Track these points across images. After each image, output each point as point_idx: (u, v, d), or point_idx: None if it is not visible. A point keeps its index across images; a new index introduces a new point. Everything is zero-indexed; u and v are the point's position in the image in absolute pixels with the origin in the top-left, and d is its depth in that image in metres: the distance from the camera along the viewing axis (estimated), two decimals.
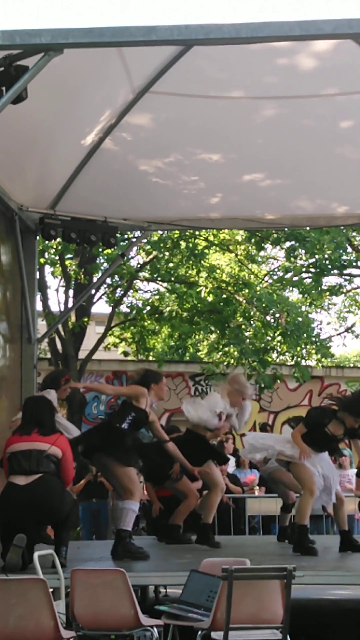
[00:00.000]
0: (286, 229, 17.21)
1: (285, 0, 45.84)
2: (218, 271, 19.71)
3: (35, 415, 8.44)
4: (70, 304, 18.37)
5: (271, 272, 22.33)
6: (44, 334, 13.25)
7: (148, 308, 20.23)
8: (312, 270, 20.23)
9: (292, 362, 19.46)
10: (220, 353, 19.56)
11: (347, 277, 21.98)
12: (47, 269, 18.79)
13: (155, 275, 20.20)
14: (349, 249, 20.70)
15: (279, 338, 18.79)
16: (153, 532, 12.05)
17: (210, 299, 19.01)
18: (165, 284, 20.52)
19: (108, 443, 9.12)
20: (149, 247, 18.95)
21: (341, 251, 19.65)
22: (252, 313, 18.65)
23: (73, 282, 18.51)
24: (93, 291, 18.43)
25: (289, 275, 20.92)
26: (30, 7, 48.17)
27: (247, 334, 18.68)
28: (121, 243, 16.79)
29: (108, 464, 9.17)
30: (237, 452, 15.41)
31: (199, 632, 6.45)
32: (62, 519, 8.21)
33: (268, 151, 11.01)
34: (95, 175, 11.13)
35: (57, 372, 11.63)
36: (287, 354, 19.60)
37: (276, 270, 22.27)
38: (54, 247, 17.48)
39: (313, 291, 20.72)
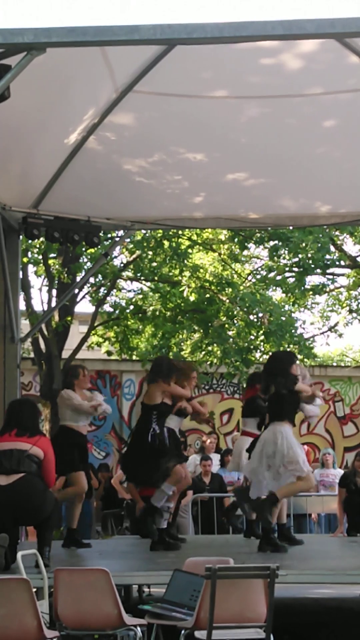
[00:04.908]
0: (269, 229, 17.22)
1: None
2: (201, 270, 19.70)
3: (17, 417, 8.42)
4: (53, 304, 18.33)
5: (254, 272, 22.34)
6: (27, 334, 13.23)
7: (131, 307, 20.20)
8: (295, 269, 20.23)
9: None
10: (203, 352, 19.56)
11: (330, 277, 22.01)
12: (30, 268, 18.74)
13: (138, 275, 20.17)
14: (332, 249, 20.72)
15: (263, 337, 18.80)
16: (136, 532, 12.06)
17: (193, 298, 19.01)
18: (148, 284, 20.50)
19: None
20: (132, 246, 18.93)
21: (324, 250, 19.65)
22: (235, 312, 18.66)
23: (56, 282, 18.47)
24: (76, 290, 18.39)
25: (272, 274, 20.94)
26: (12, 5, 48.05)
27: (230, 333, 18.68)
28: (104, 242, 16.77)
29: None
30: (221, 451, 15.42)
31: (183, 632, 6.45)
32: (45, 519, 8.19)
33: (252, 150, 11.02)
34: (79, 175, 11.12)
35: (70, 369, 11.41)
36: (270, 353, 19.60)
37: (259, 269, 22.28)
38: (37, 246, 17.44)
39: (296, 290, 20.72)
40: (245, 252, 21.41)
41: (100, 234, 12.31)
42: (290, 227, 16.92)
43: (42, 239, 11.90)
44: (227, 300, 18.72)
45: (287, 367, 9.55)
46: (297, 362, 9.76)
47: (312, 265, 19.73)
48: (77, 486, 9.91)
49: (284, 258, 20.11)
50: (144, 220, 12.44)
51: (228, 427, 21.23)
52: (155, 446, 9.67)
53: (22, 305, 16.71)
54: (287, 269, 20.52)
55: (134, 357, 21.48)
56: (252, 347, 18.98)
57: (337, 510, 12.35)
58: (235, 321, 18.76)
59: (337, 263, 21.34)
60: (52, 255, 18.24)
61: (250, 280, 21.20)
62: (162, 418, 9.83)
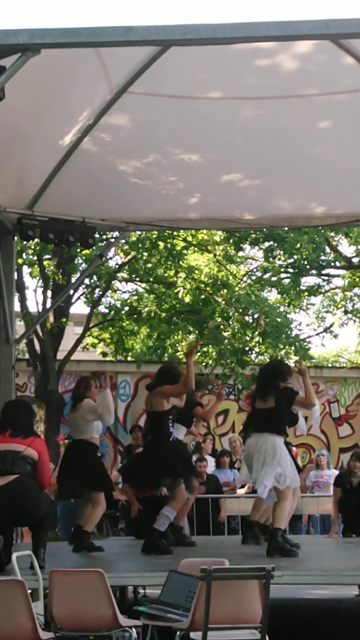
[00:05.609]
0: (265, 230, 17.23)
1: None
2: (196, 272, 19.68)
3: (12, 418, 8.42)
4: (48, 305, 18.31)
5: (250, 273, 22.34)
6: (22, 335, 13.21)
7: (126, 308, 20.18)
8: (291, 270, 20.24)
9: None
10: (198, 354, 19.54)
11: (326, 278, 22.02)
12: (25, 269, 18.72)
13: (133, 276, 20.16)
14: (327, 250, 20.74)
15: (258, 339, 18.79)
16: (132, 533, 12.05)
17: (188, 299, 18.99)
18: (143, 285, 20.50)
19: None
20: (127, 247, 18.92)
21: (320, 251, 19.66)
22: (230, 313, 18.65)
23: (51, 283, 18.45)
24: (71, 292, 18.38)
25: (267, 275, 20.94)
26: (7, 6, 48.02)
27: (225, 334, 18.67)
28: (99, 243, 16.76)
29: None
30: (217, 453, 15.41)
31: (178, 633, 6.45)
32: (40, 520, 8.19)
33: (247, 151, 11.03)
34: (74, 176, 11.11)
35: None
36: (266, 354, 19.60)
37: (255, 270, 22.28)
38: (32, 247, 17.43)
39: (291, 291, 20.72)
40: (240, 253, 21.40)
41: (95, 235, 12.31)
42: (286, 228, 16.93)
43: (37, 240, 11.89)
44: (223, 302, 18.72)
45: (285, 379, 9.55)
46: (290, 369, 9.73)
47: (308, 266, 19.75)
48: (98, 507, 9.91)
49: (279, 259, 20.11)
50: (139, 221, 12.43)
51: (223, 428, 21.22)
52: (176, 449, 9.72)
53: (16, 307, 16.67)
54: (282, 269, 20.53)
55: (129, 359, 21.46)
56: (247, 348, 18.98)
57: (331, 511, 12.35)
58: (231, 322, 18.76)
59: (332, 264, 21.35)
60: (47, 256, 18.23)
61: (246, 282, 21.20)
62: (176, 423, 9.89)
